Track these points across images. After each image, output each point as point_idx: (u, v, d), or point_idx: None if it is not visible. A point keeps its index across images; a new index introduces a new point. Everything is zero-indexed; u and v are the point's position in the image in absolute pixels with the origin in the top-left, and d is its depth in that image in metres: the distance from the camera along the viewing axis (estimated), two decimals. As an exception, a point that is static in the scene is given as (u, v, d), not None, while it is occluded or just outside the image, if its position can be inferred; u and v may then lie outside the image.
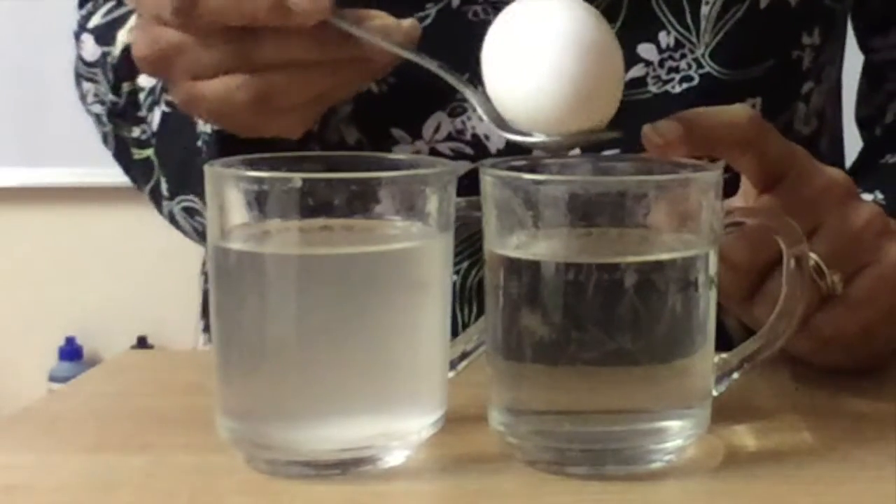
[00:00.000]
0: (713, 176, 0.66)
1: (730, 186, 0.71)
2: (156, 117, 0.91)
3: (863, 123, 1.03)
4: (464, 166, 0.70)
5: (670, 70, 0.90)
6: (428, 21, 0.90)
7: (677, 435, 0.65)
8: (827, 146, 0.99)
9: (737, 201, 0.76)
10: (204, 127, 0.84)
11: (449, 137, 0.91)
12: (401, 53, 0.72)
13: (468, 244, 0.67)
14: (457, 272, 0.90)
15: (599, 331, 0.63)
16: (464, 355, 0.71)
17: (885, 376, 0.79)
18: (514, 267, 0.65)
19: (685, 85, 0.90)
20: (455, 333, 0.73)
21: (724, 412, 0.69)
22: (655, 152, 0.70)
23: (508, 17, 0.69)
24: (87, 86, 0.95)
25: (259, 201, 0.64)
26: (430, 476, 0.65)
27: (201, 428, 0.68)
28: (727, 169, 0.68)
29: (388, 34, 0.71)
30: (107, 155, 0.99)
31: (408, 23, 0.73)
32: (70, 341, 2.79)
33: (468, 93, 0.70)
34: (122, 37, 0.93)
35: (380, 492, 0.63)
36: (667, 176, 0.67)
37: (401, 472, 0.65)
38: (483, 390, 0.67)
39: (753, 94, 0.91)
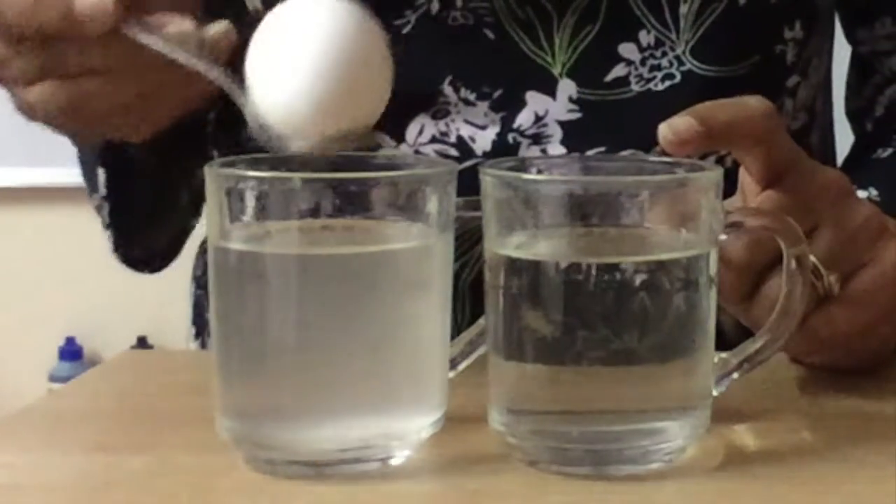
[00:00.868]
0: (713, 176, 0.66)
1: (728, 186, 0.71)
2: None
3: (853, 116, 1.03)
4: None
5: (652, 68, 0.90)
6: (408, 27, 0.90)
7: (677, 435, 0.65)
8: (817, 140, 0.99)
9: (735, 200, 0.76)
10: None
11: (433, 140, 0.91)
12: (185, 62, 0.69)
13: (457, 244, 0.67)
14: None
15: (599, 331, 0.63)
16: (464, 355, 0.71)
17: (885, 376, 0.79)
18: (514, 267, 0.65)
19: (668, 83, 0.90)
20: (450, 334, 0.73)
21: (724, 412, 0.69)
22: (671, 149, 0.70)
23: (270, 19, 0.67)
24: None
25: (259, 201, 0.64)
26: (430, 476, 0.65)
27: (201, 428, 0.68)
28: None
29: (184, 42, 0.70)
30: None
31: (215, 30, 0.71)
32: (70, 341, 2.78)
33: (240, 100, 0.69)
34: None
35: (380, 492, 0.63)
36: (667, 176, 0.67)
37: (401, 472, 0.65)
38: (483, 390, 0.67)
39: (737, 90, 0.91)
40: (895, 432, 0.70)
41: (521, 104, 0.90)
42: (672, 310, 0.64)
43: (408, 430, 0.65)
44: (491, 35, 0.90)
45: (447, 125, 0.91)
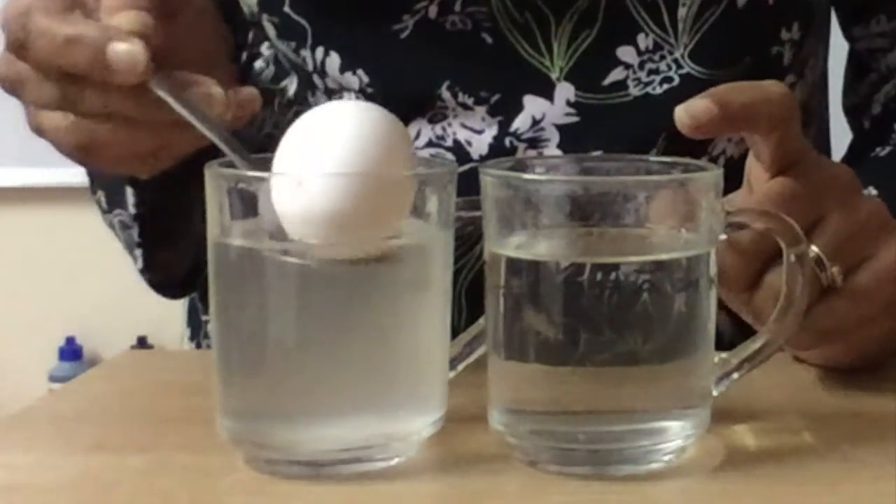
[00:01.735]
0: (713, 176, 0.66)
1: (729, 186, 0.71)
2: None
3: (850, 112, 1.03)
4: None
5: (650, 72, 0.90)
6: (406, 33, 0.90)
7: (677, 435, 0.65)
8: (813, 138, 0.99)
9: (742, 192, 0.77)
10: None
11: (429, 144, 0.91)
12: (205, 132, 0.69)
13: (456, 246, 0.67)
14: None
15: (599, 331, 0.63)
16: (463, 356, 0.71)
17: (885, 376, 0.79)
18: (515, 267, 0.65)
19: (666, 86, 0.90)
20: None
21: (724, 412, 0.69)
22: (688, 132, 0.70)
23: (299, 125, 0.65)
24: None
25: (259, 201, 0.64)
26: (430, 476, 0.65)
27: (201, 428, 0.68)
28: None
29: (209, 104, 0.70)
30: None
31: (243, 95, 0.72)
32: (70, 341, 2.79)
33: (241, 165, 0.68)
34: None
35: (380, 492, 0.63)
36: (667, 176, 0.67)
37: (401, 472, 0.65)
38: (483, 390, 0.67)
39: None
40: (895, 432, 0.70)
41: (519, 108, 0.90)
42: (672, 310, 0.64)
43: (408, 430, 0.65)
44: (489, 40, 0.90)
45: (444, 129, 0.91)
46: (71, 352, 2.78)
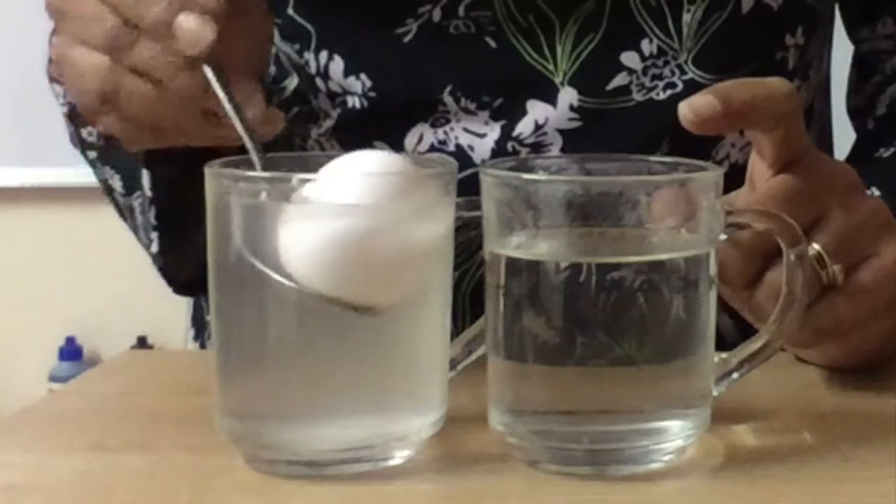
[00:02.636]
0: (713, 176, 0.66)
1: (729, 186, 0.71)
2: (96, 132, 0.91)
3: (854, 113, 1.03)
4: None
5: (654, 77, 0.90)
6: (409, 37, 0.90)
7: (677, 435, 0.65)
8: (816, 140, 0.99)
9: (744, 189, 0.77)
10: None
11: (431, 149, 0.91)
12: (235, 123, 0.70)
13: (457, 254, 0.67)
14: None
15: (599, 331, 0.63)
16: (463, 356, 0.71)
17: (885, 376, 0.79)
18: (515, 267, 0.65)
19: (669, 92, 0.90)
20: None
21: (724, 412, 0.69)
22: (691, 128, 0.70)
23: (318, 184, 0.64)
24: (56, 87, 0.96)
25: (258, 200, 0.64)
26: (430, 476, 0.65)
27: (201, 428, 0.68)
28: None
29: (247, 103, 0.71)
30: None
31: (272, 112, 0.73)
32: (70, 341, 2.78)
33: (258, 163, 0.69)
34: None
35: (380, 492, 0.63)
36: (667, 176, 0.67)
37: (401, 472, 0.65)
38: (483, 390, 0.67)
39: None
40: (895, 432, 0.70)
41: (522, 113, 0.90)
42: (672, 310, 0.64)
43: (408, 430, 0.65)
44: (492, 43, 0.90)
45: (446, 133, 0.91)
46: (71, 352, 2.78)
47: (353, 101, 0.91)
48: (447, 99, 0.90)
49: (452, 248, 0.67)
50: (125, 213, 0.94)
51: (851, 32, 1.02)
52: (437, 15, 0.90)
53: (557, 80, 0.90)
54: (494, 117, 0.91)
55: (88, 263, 2.78)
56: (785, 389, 0.78)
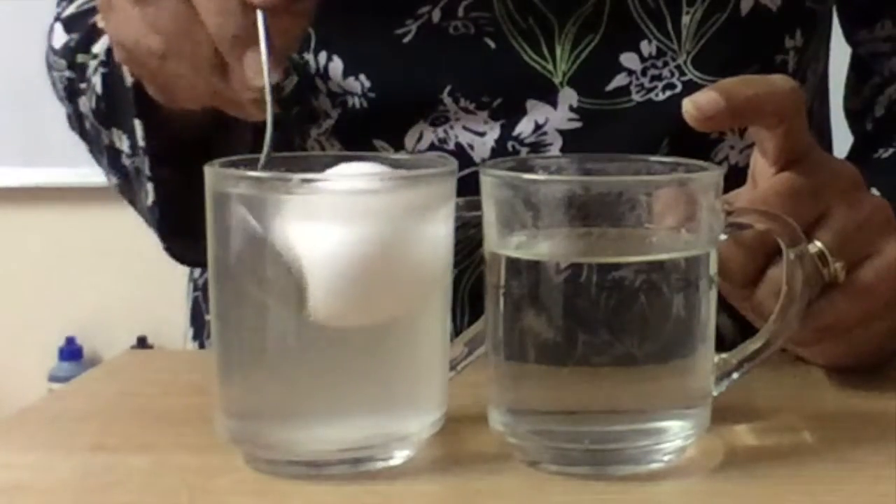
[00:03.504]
0: (713, 176, 0.66)
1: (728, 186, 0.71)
2: (98, 80, 0.91)
3: (852, 116, 1.03)
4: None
5: (653, 78, 0.91)
6: (409, 37, 0.90)
7: (677, 435, 0.65)
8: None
9: (746, 187, 0.77)
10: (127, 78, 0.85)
11: (431, 147, 0.91)
12: (265, 77, 0.70)
13: (456, 251, 0.67)
14: None
15: (599, 331, 0.63)
16: (463, 356, 0.71)
17: (885, 376, 0.79)
18: (515, 267, 0.65)
19: (668, 93, 0.91)
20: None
21: (724, 412, 0.69)
22: (695, 124, 0.70)
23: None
24: (55, 74, 0.96)
25: (258, 200, 0.64)
26: (430, 476, 0.65)
27: (201, 428, 0.68)
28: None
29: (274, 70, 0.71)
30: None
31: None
32: (70, 341, 2.78)
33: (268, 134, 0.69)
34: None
35: (380, 492, 0.63)
36: (667, 176, 0.67)
37: (401, 472, 0.65)
38: (483, 390, 0.67)
39: None
40: (895, 432, 0.70)
41: (521, 113, 0.90)
42: (672, 310, 0.64)
43: (408, 430, 0.65)
44: (492, 44, 0.90)
45: (446, 132, 0.91)
46: (71, 352, 2.78)
47: (354, 102, 0.91)
48: (446, 99, 0.90)
49: (453, 249, 0.67)
50: (132, 177, 0.93)
51: (849, 34, 1.02)
52: (436, 16, 0.90)
53: (557, 80, 0.90)
54: (494, 117, 0.91)
55: (88, 263, 2.78)
56: (785, 389, 0.78)
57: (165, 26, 0.73)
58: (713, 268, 0.66)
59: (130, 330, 2.76)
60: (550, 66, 0.90)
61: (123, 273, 2.76)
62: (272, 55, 0.70)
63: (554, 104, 0.90)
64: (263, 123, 0.70)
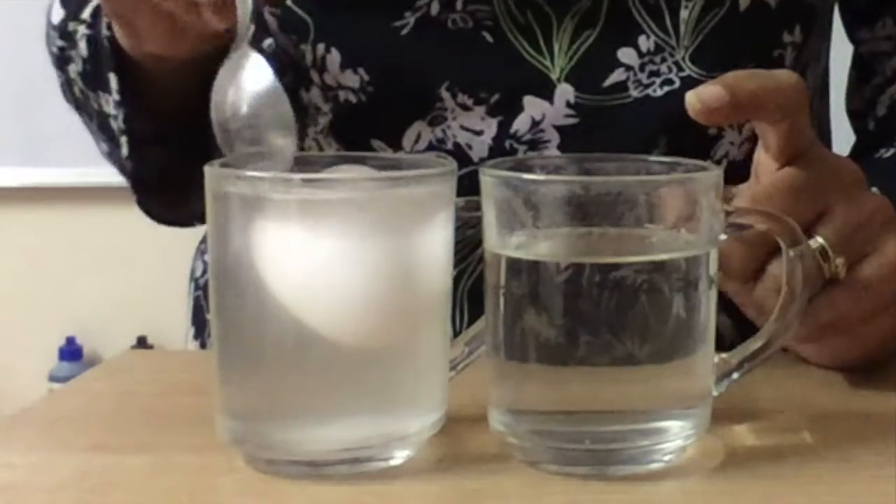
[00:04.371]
0: (713, 176, 0.66)
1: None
2: (84, 44, 0.92)
3: (854, 114, 1.03)
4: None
5: (651, 74, 0.90)
6: (407, 29, 0.90)
7: (677, 435, 0.65)
8: None
9: (748, 183, 0.77)
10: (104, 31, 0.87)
11: (430, 147, 0.91)
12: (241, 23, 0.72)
13: (456, 251, 0.67)
14: None
15: (599, 331, 0.63)
16: (463, 356, 0.71)
17: (885, 376, 0.79)
18: (515, 267, 0.65)
19: (666, 88, 0.90)
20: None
21: (724, 412, 0.69)
22: (698, 118, 0.70)
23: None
24: (53, 49, 0.96)
25: (258, 200, 0.64)
26: (430, 476, 0.65)
27: (201, 428, 0.68)
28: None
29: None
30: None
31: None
32: (70, 341, 2.79)
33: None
34: None
35: (380, 492, 0.63)
36: (667, 176, 0.67)
37: (401, 472, 0.65)
38: (483, 390, 0.67)
39: None
40: (895, 432, 0.70)
41: (519, 109, 0.90)
42: (672, 310, 0.64)
43: (408, 430, 0.65)
44: (489, 39, 0.90)
45: (444, 132, 0.91)
46: (71, 352, 2.78)
47: (347, 96, 0.91)
48: (444, 94, 0.90)
49: (453, 250, 0.67)
50: (118, 138, 0.93)
51: (851, 33, 1.02)
52: (435, 8, 0.90)
53: (554, 76, 0.90)
54: (491, 113, 0.90)
55: (88, 263, 2.78)
56: (785, 389, 0.78)
57: None
58: (713, 268, 0.66)
59: (130, 330, 2.77)
60: (548, 62, 0.90)
61: (123, 273, 2.76)
62: None
63: (551, 100, 0.90)
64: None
